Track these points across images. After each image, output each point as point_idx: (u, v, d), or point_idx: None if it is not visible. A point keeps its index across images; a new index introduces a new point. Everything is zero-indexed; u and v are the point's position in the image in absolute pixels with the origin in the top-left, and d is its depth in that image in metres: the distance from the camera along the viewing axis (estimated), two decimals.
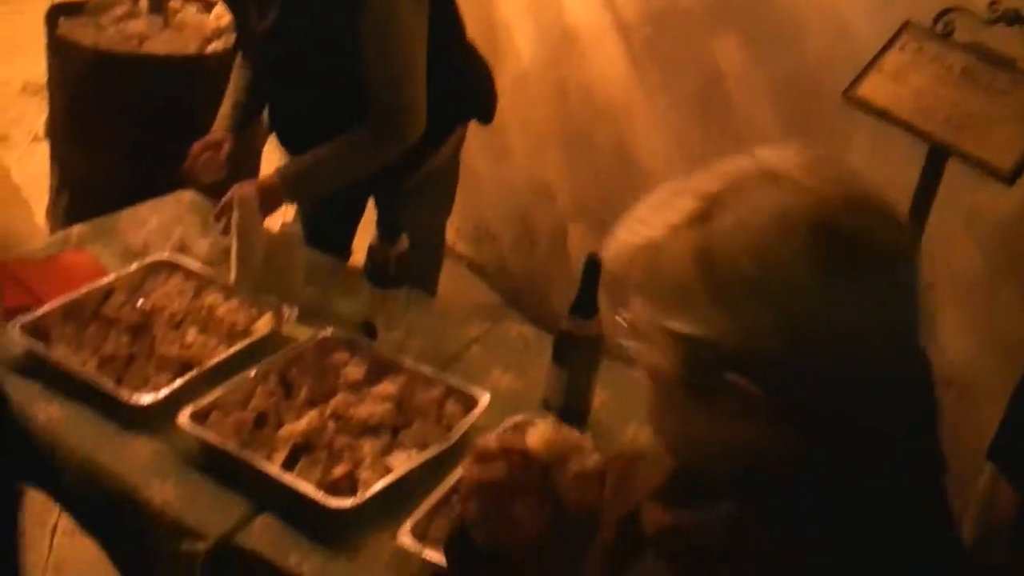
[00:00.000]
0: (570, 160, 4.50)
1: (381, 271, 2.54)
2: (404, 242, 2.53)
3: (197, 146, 2.99)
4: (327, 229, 3.18)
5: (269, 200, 2.83)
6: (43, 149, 4.69)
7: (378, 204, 3.19)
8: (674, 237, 1.15)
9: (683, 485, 1.26)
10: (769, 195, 1.14)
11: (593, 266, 2.27)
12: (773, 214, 1.12)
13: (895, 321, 1.14)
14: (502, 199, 4.79)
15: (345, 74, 2.84)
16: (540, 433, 1.36)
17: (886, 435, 1.14)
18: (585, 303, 2.30)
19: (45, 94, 4.59)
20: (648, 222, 1.18)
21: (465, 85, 3.17)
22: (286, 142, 3.18)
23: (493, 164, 4.64)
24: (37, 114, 5.37)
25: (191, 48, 4.19)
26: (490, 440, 1.37)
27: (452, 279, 3.51)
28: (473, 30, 3.19)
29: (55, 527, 3.22)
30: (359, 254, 3.35)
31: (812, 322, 1.10)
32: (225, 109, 3.14)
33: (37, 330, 2.44)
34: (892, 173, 3.35)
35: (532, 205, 4.72)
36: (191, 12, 4.51)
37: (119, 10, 4.40)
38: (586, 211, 4.47)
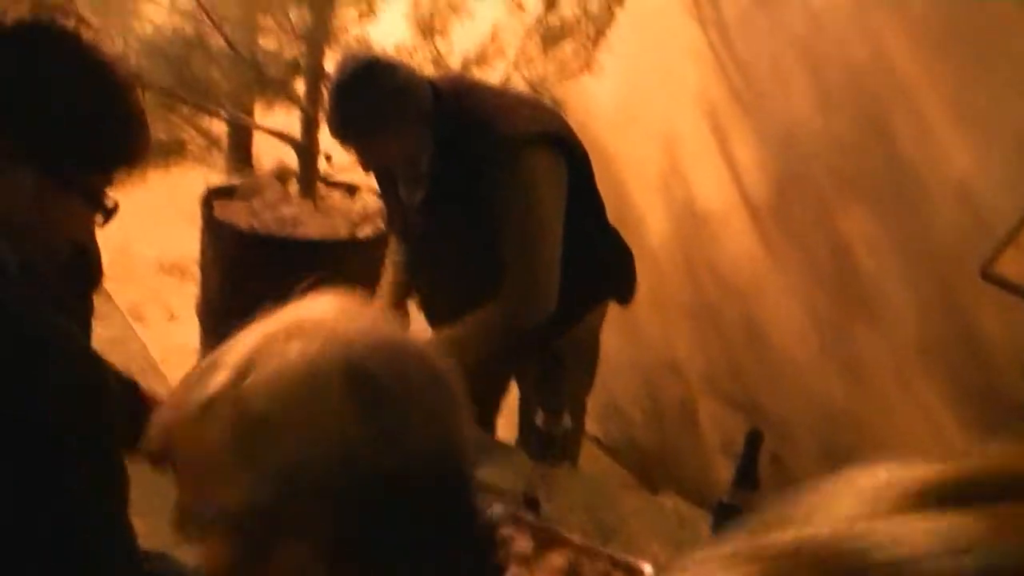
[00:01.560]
0: (699, 336, 4.57)
1: (547, 447, 2.63)
2: (567, 420, 2.63)
3: None
4: (474, 406, 3.26)
5: None
6: (178, 328, 4.79)
7: (532, 382, 3.28)
8: (208, 411, 1.15)
9: None
10: (299, 348, 1.17)
11: (755, 438, 2.34)
12: (305, 364, 1.15)
13: (433, 450, 1.20)
14: (630, 376, 4.86)
15: (491, 250, 2.95)
16: None
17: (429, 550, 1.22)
18: (747, 475, 2.36)
19: (179, 272, 4.73)
20: (183, 401, 1.18)
21: (606, 265, 3.26)
22: (433, 318, 3.30)
23: (621, 341, 4.73)
24: (171, 293, 5.47)
25: (342, 232, 4.38)
26: None
27: (582, 457, 3.58)
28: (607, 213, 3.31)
29: None
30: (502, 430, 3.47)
31: (360, 462, 1.14)
32: (384, 287, 3.27)
33: None
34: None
35: (660, 381, 4.78)
36: (337, 198, 4.71)
37: (270, 194, 4.61)
38: (716, 386, 4.53)
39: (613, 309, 3.40)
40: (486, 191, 2.90)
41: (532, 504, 2.64)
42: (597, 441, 4.98)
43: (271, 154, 5.09)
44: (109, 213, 1.66)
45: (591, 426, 4.83)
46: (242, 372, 1.16)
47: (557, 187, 2.98)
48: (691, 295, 4.55)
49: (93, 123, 1.60)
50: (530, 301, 2.95)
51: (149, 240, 5.73)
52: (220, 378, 1.16)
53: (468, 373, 3.10)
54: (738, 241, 4.29)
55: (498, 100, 3.05)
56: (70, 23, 1.58)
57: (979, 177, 3.44)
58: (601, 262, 3.20)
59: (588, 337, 3.32)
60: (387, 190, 3.26)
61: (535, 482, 2.65)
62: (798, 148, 4.02)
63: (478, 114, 2.95)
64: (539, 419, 2.63)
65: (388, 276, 3.30)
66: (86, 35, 1.58)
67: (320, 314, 1.24)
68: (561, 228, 2.97)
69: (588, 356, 3.39)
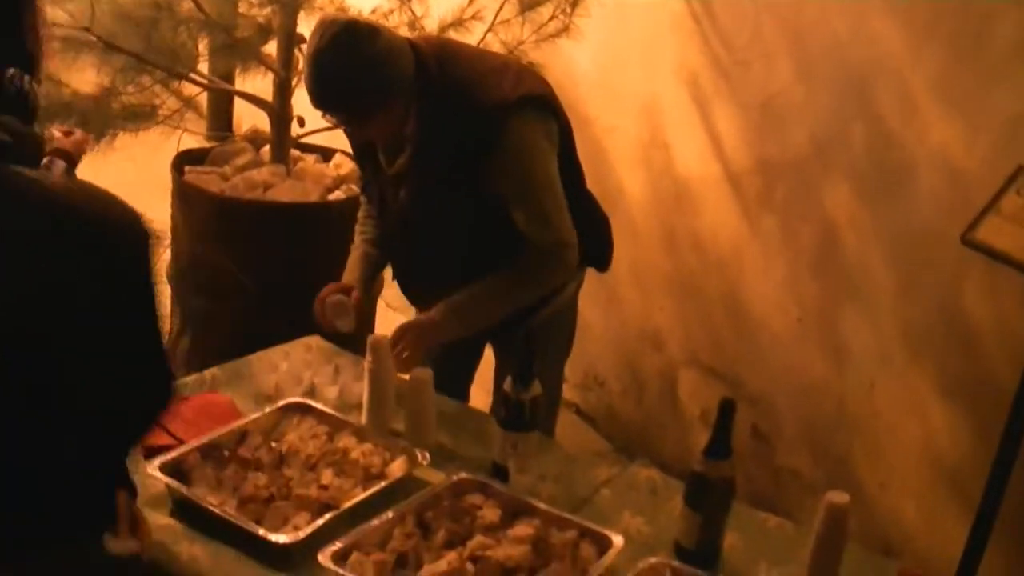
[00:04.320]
0: (679, 306, 4.54)
1: (515, 416, 2.57)
2: (537, 387, 2.57)
3: (327, 289, 3.07)
4: (448, 374, 3.20)
5: (433, 334, 2.92)
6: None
7: (505, 350, 3.24)
8: None
9: None
10: None
11: (728, 409, 2.29)
12: None
13: None
14: (611, 346, 4.83)
15: (472, 216, 2.91)
16: None
17: None
18: (719, 445, 2.31)
19: (153, 237, 4.70)
20: None
21: (585, 232, 3.21)
22: (409, 288, 3.24)
23: (602, 312, 4.70)
24: None
25: (313, 197, 4.32)
26: None
27: (560, 425, 3.54)
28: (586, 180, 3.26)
29: None
30: (475, 399, 3.42)
31: None
32: (353, 260, 3.21)
33: (177, 470, 2.50)
34: (1006, 316, 3.37)
35: (641, 352, 4.75)
36: (311, 162, 4.65)
37: (242, 159, 4.55)
38: (696, 357, 4.50)
39: (594, 279, 3.35)
40: (473, 158, 2.84)
41: (501, 473, 2.59)
42: (577, 409, 4.95)
43: (252, 119, 5.02)
44: None
45: (571, 394, 4.81)
46: None
47: (550, 148, 2.94)
48: (671, 266, 4.52)
49: None
50: (558, 257, 2.93)
51: None
52: None
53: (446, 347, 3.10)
54: (719, 212, 4.25)
55: (482, 64, 2.98)
56: None
57: (963, 155, 3.42)
58: (581, 229, 3.15)
59: (565, 305, 3.27)
60: (364, 158, 3.18)
61: (504, 451, 2.60)
62: (779, 118, 3.98)
63: (462, 80, 2.88)
64: (506, 384, 2.58)
65: (357, 250, 3.23)
66: None
67: None
68: (560, 185, 2.93)
69: (566, 324, 3.34)
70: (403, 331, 2.91)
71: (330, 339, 3.22)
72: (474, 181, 2.87)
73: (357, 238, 3.26)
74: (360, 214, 3.31)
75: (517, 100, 2.85)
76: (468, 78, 2.88)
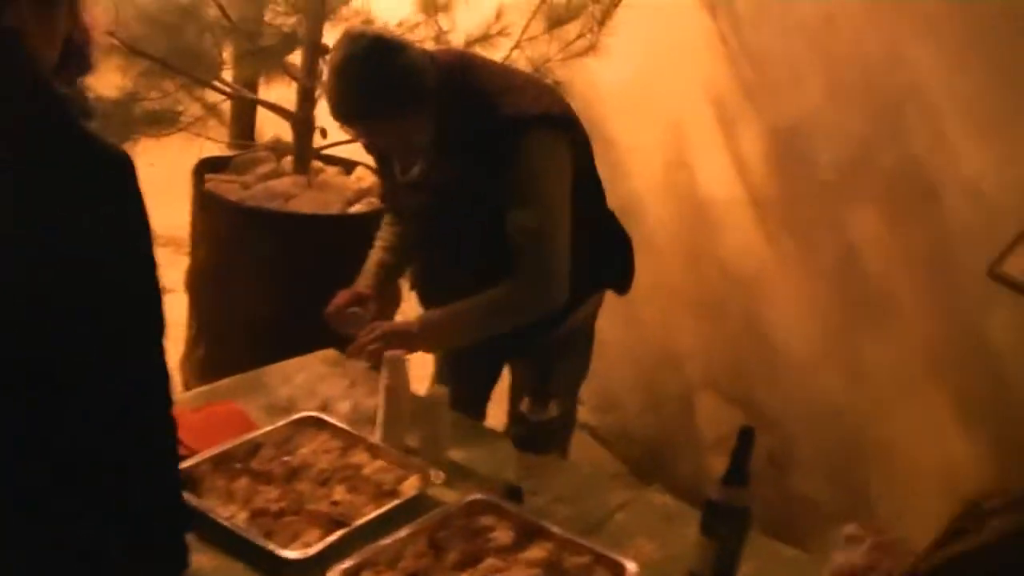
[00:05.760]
0: (699, 329, 4.51)
1: (530, 437, 2.55)
2: (553, 408, 2.54)
3: (343, 294, 3.05)
4: (465, 392, 3.17)
5: (407, 342, 2.87)
6: (168, 300, 4.75)
7: (521, 370, 3.21)
8: None
9: None
10: None
11: (747, 436, 2.25)
12: None
13: None
14: (628, 367, 4.80)
15: (489, 230, 2.88)
16: None
17: None
18: (737, 473, 2.27)
19: (174, 245, 4.69)
20: None
21: (605, 253, 3.20)
22: (426, 298, 3.22)
23: (621, 331, 4.67)
24: (164, 265, 5.43)
25: (334, 208, 4.31)
26: None
27: (574, 446, 3.51)
28: (608, 199, 3.24)
29: None
30: (491, 419, 3.39)
31: None
32: (369, 266, 3.20)
33: (187, 479, 2.47)
34: None
35: (658, 373, 4.72)
36: (332, 173, 4.64)
37: (263, 168, 4.55)
38: (714, 381, 4.46)
39: (613, 298, 3.32)
40: (488, 171, 2.83)
41: (515, 494, 2.56)
42: (592, 431, 4.91)
43: (275, 128, 5.01)
44: None
45: (587, 415, 4.78)
46: None
47: (563, 169, 2.91)
48: (693, 287, 4.48)
49: None
50: (540, 290, 2.89)
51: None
52: None
53: (460, 358, 3.09)
54: (742, 234, 4.22)
55: (503, 79, 2.98)
56: None
57: (992, 181, 3.38)
58: (599, 249, 3.13)
59: (583, 326, 3.25)
60: (384, 167, 3.19)
61: (519, 472, 2.57)
62: (807, 142, 3.95)
63: (482, 93, 2.88)
64: (523, 405, 2.55)
65: (374, 256, 3.22)
66: None
67: None
68: (568, 212, 2.90)
69: (583, 345, 3.32)
70: (381, 330, 2.89)
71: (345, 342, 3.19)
72: (487, 194, 2.86)
73: (376, 244, 3.26)
74: (384, 220, 3.31)
75: (534, 117, 2.84)
76: (488, 92, 2.88)
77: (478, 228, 2.92)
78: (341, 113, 2.81)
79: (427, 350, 3.03)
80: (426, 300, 3.22)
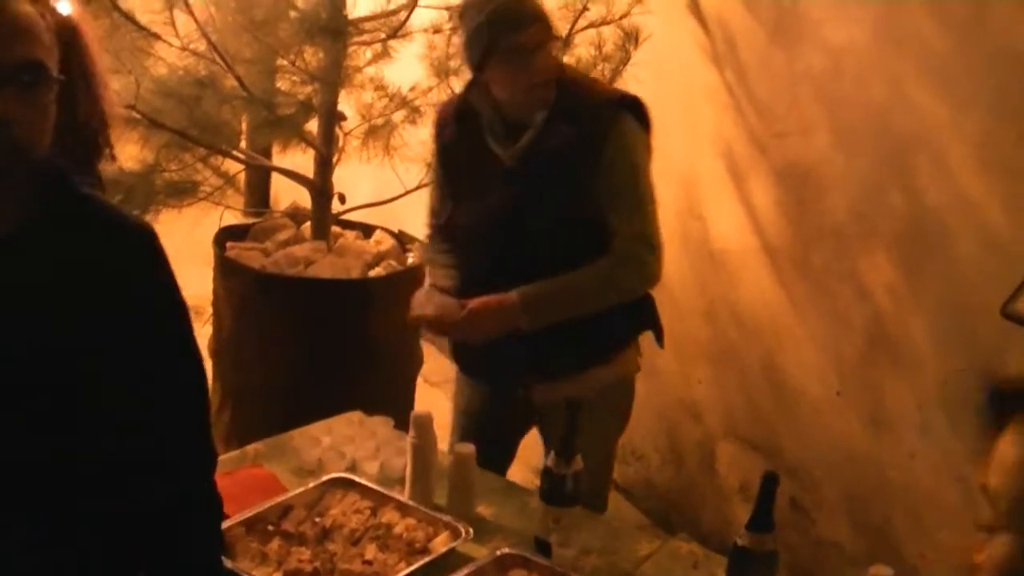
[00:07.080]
0: (718, 377, 4.53)
1: (557, 490, 2.58)
2: (579, 462, 2.58)
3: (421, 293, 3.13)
4: (490, 450, 3.15)
5: (504, 317, 2.92)
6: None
7: (552, 424, 3.23)
8: None
9: None
10: None
11: (771, 482, 2.29)
12: None
13: None
14: (649, 418, 4.81)
15: (571, 215, 2.95)
16: None
17: None
18: (762, 518, 2.31)
19: (194, 313, 4.74)
20: None
21: (632, 303, 3.17)
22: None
23: (640, 384, 4.67)
24: None
25: (355, 273, 4.36)
26: None
27: None
28: None
29: None
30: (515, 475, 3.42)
31: None
32: (441, 278, 3.16)
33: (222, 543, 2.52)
34: None
35: (679, 423, 4.74)
36: (351, 238, 4.69)
37: (283, 235, 4.60)
38: (734, 429, 4.48)
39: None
40: (582, 153, 2.93)
41: (543, 547, 2.59)
42: (614, 483, 4.92)
43: (290, 195, 5.07)
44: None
45: None
46: None
47: (647, 155, 3.08)
48: (709, 336, 4.51)
49: None
50: (640, 255, 2.99)
51: None
52: None
53: (486, 418, 3.09)
54: (757, 283, 4.25)
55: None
56: None
57: (1004, 222, 3.40)
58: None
59: (620, 383, 3.26)
60: (451, 173, 3.20)
61: (547, 525, 2.60)
62: (817, 189, 3.99)
63: (577, 79, 3.10)
64: (549, 460, 2.59)
65: (443, 283, 3.14)
66: None
67: None
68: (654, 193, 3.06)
69: (620, 404, 3.33)
70: (477, 302, 2.94)
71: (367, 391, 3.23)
72: (578, 177, 2.94)
73: (437, 270, 3.19)
74: (430, 248, 3.29)
75: (623, 100, 3.02)
76: (581, 79, 3.16)
77: (564, 212, 2.95)
78: (529, 12, 2.92)
79: (525, 325, 2.94)
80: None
